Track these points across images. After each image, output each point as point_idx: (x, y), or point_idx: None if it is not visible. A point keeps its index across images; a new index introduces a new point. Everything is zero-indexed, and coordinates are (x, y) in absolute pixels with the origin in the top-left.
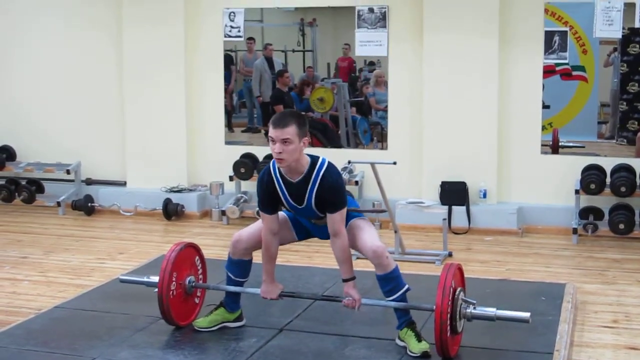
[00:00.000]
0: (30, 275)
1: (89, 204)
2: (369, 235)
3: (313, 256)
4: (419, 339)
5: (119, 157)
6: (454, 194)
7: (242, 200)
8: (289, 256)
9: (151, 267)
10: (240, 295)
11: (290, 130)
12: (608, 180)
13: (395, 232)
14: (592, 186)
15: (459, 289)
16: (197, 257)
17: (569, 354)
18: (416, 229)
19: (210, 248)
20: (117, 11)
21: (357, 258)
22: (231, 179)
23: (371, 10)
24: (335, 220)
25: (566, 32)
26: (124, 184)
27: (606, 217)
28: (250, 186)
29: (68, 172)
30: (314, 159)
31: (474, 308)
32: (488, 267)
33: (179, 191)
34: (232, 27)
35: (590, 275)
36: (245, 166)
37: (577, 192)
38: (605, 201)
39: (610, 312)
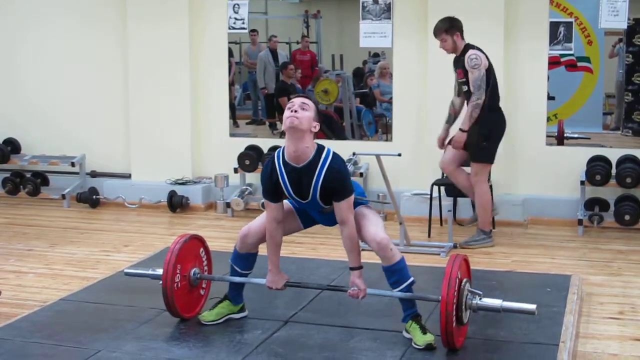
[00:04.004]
0: (35, 268)
1: (94, 197)
2: (374, 226)
3: (318, 248)
4: (424, 331)
5: (123, 150)
6: None
7: (246, 193)
8: (294, 248)
9: (156, 260)
10: (244, 287)
11: (310, 102)
12: (613, 171)
13: (400, 223)
14: (598, 177)
15: (464, 280)
16: (201, 249)
17: (574, 345)
18: (421, 220)
19: (215, 240)
20: (122, 5)
21: (362, 249)
22: (236, 171)
23: (376, 1)
24: (342, 208)
25: (571, 23)
26: (128, 176)
27: (612, 208)
28: (255, 178)
29: (73, 164)
30: (320, 147)
31: (480, 299)
32: (493, 259)
33: (184, 183)
34: (236, 19)
35: (595, 267)
36: (249, 158)
37: (582, 183)
38: (610, 192)
39: (616, 303)
